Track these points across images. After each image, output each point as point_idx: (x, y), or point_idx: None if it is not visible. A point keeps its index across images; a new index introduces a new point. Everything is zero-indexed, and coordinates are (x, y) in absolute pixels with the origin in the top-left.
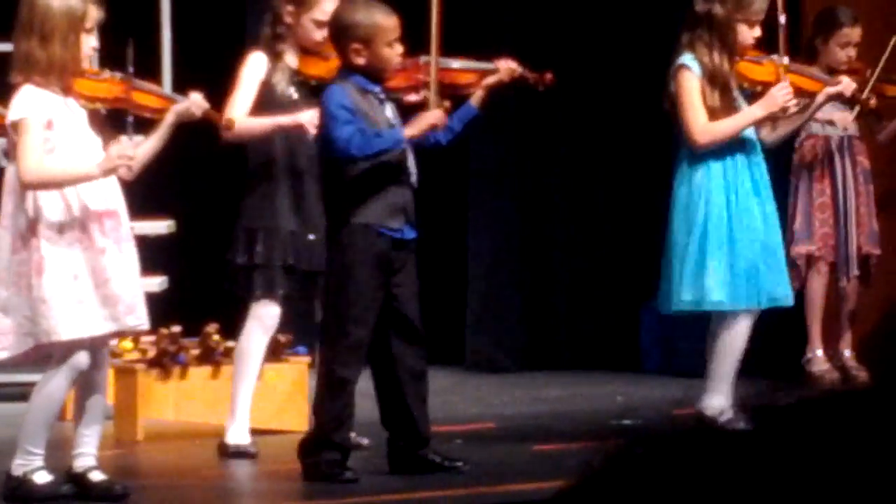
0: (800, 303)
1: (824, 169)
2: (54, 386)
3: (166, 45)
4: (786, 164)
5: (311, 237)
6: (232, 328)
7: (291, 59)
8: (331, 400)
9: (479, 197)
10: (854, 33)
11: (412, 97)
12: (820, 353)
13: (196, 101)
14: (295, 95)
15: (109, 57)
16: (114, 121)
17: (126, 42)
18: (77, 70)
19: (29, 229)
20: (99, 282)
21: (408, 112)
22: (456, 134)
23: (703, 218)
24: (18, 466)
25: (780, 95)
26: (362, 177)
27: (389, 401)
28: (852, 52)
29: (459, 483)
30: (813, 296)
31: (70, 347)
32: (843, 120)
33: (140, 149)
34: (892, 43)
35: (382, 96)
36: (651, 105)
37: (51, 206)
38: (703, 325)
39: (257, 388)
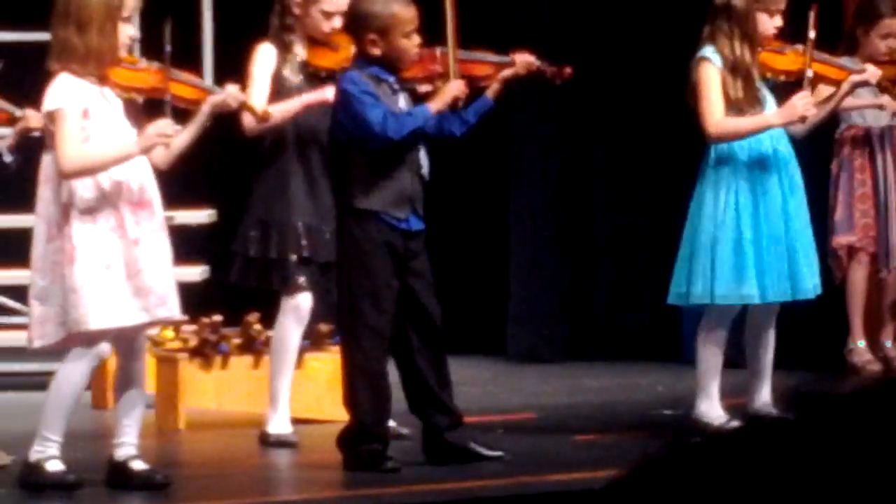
0: (841, 294)
1: (864, 160)
2: (73, 373)
3: (207, 35)
4: (826, 154)
5: (325, 229)
6: (273, 318)
7: (300, 49)
8: (363, 391)
9: (521, 189)
10: (895, 24)
11: (426, 87)
12: (862, 343)
13: (232, 93)
14: (304, 86)
15: (150, 47)
16: (151, 111)
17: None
18: (114, 59)
19: (63, 218)
20: (131, 272)
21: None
22: (470, 126)
23: (735, 213)
24: (35, 453)
25: (801, 104)
26: (369, 164)
27: (414, 389)
28: (893, 42)
29: (500, 473)
30: (854, 287)
31: (94, 336)
32: (891, 103)
33: (176, 140)
34: None
35: (396, 86)
36: (680, 104)
37: (85, 194)
38: (743, 317)
39: (297, 378)
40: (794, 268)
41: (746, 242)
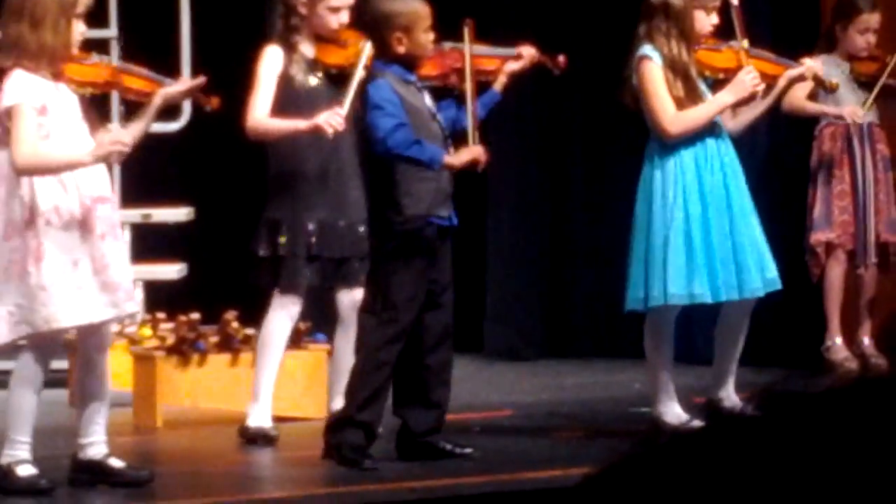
0: (818, 291)
1: (843, 156)
2: (32, 373)
3: (185, 39)
4: (804, 151)
5: (342, 223)
6: (251, 316)
7: (307, 48)
8: (366, 379)
9: (499, 185)
10: (873, 19)
11: (440, 83)
12: (839, 341)
13: (184, 83)
14: (314, 84)
15: (131, 47)
16: (100, 106)
17: (128, 34)
18: (67, 55)
19: (25, 216)
20: (98, 268)
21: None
22: (481, 119)
23: (683, 210)
24: (5, 456)
25: (748, 80)
26: (412, 166)
27: (409, 385)
28: (872, 38)
29: (478, 470)
30: (832, 284)
31: (56, 335)
32: (852, 114)
33: (127, 131)
34: None
35: (420, 85)
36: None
37: (49, 191)
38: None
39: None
40: (741, 265)
41: (696, 241)
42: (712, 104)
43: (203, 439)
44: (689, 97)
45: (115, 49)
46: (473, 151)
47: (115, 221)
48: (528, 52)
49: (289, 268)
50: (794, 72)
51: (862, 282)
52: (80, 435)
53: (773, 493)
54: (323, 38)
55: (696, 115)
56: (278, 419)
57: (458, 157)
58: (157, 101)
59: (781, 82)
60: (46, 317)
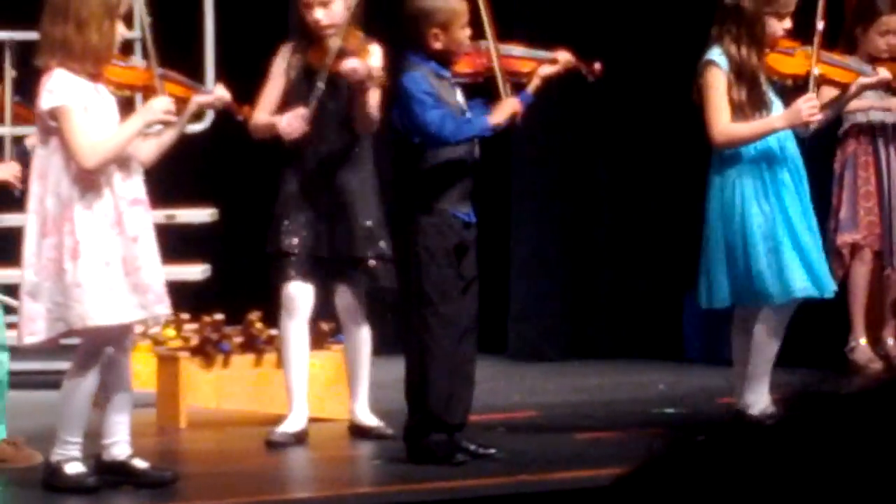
0: (843, 292)
1: (868, 157)
2: (84, 374)
3: (209, 35)
4: (829, 152)
5: (336, 223)
6: (275, 316)
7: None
8: (435, 380)
9: (523, 185)
10: (893, 21)
11: (472, 80)
12: (863, 341)
13: (219, 94)
14: (299, 86)
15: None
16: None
17: (166, 34)
18: (109, 56)
19: (63, 213)
20: (130, 269)
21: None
22: (512, 82)
23: (742, 213)
24: (55, 454)
25: (806, 108)
26: (440, 163)
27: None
28: (893, 39)
29: (502, 471)
30: (857, 284)
31: (98, 334)
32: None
33: (161, 138)
34: None
35: (453, 81)
36: (689, 105)
37: (86, 190)
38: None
39: None
40: (814, 265)
41: (757, 244)
42: (763, 126)
43: (227, 440)
44: (752, 103)
45: (138, 51)
46: (511, 104)
47: (148, 224)
48: (564, 56)
49: (280, 263)
50: (867, 80)
51: (887, 283)
52: (104, 435)
53: (804, 495)
54: (312, 39)
55: (743, 132)
56: None
57: (501, 114)
58: (192, 107)
59: (853, 89)
60: (81, 314)
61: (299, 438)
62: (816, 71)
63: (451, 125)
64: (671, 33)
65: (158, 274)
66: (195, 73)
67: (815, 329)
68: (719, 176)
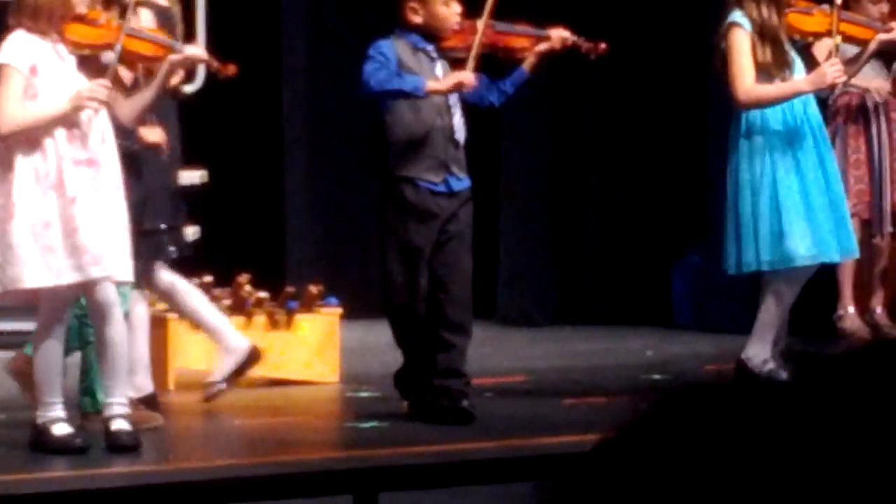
0: None
1: (859, 126)
2: (46, 334)
3: (200, 3)
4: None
5: (153, 195)
6: (264, 278)
7: None
8: (400, 332)
9: (512, 152)
10: None
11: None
12: (852, 310)
13: (189, 52)
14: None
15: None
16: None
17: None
18: (67, 16)
19: (3, 174)
20: (68, 230)
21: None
22: (509, 97)
23: (773, 177)
24: (39, 416)
25: (831, 72)
26: (403, 135)
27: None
28: (885, 7)
29: (491, 435)
30: None
31: (45, 295)
32: (881, 88)
33: (139, 96)
34: None
35: (434, 55)
36: (684, 61)
37: (26, 153)
38: (735, 281)
39: (287, 340)
40: (840, 228)
41: (791, 207)
42: (788, 87)
43: (215, 402)
44: (777, 62)
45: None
46: (460, 75)
47: (97, 185)
48: (558, 33)
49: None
50: (886, 36)
51: (876, 251)
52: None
53: (793, 454)
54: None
55: (769, 93)
56: (290, 383)
57: (445, 81)
58: (165, 66)
59: (872, 45)
60: (13, 276)
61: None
62: (838, 39)
63: (380, 76)
64: (667, 10)
65: (101, 235)
66: (187, 37)
67: (803, 297)
68: (747, 141)
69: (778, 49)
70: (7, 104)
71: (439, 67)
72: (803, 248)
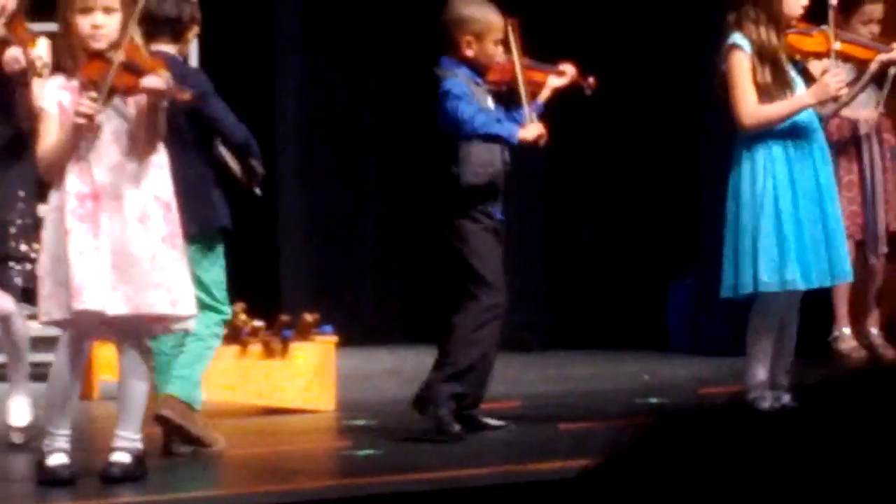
0: None
1: (851, 147)
2: (54, 365)
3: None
4: None
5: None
6: (258, 307)
7: None
8: (462, 356)
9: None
10: (876, 9)
11: (496, 89)
12: (847, 331)
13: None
14: None
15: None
16: None
17: None
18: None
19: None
20: (58, 266)
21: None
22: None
23: (773, 199)
24: (44, 445)
25: (833, 83)
26: (482, 168)
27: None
28: (875, 28)
29: (485, 461)
30: None
31: (60, 326)
32: (869, 118)
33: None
34: None
35: (485, 88)
36: (679, 86)
37: (48, 182)
38: (730, 303)
39: (283, 368)
40: (832, 251)
41: (787, 229)
42: (792, 103)
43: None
44: (777, 83)
45: None
46: (539, 127)
47: (101, 217)
48: (570, 69)
49: None
50: (886, 56)
51: (870, 272)
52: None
53: (781, 480)
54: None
55: (773, 112)
56: (285, 411)
57: (528, 131)
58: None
59: (873, 66)
60: (41, 307)
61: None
62: (837, 45)
63: (482, 119)
64: (660, 34)
65: (88, 269)
66: None
67: (799, 318)
68: (749, 162)
69: (778, 70)
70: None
71: (490, 101)
72: (798, 272)
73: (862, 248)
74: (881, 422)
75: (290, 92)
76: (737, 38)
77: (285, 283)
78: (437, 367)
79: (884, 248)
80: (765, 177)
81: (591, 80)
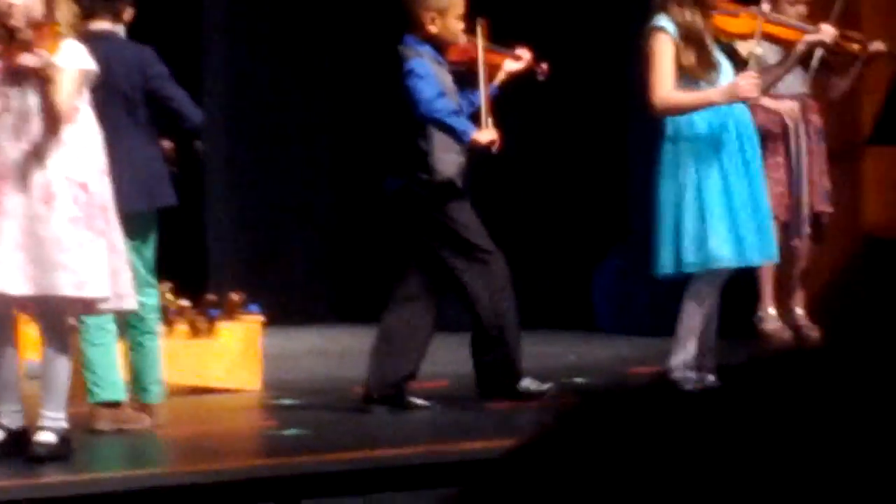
0: None
1: (777, 129)
2: None
3: None
4: None
5: None
6: (185, 287)
7: None
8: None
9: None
10: None
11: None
12: (772, 311)
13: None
14: None
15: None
16: None
17: None
18: None
19: None
20: None
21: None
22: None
23: (697, 180)
24: None
25: (744, 85)
26: (449, 143)
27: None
28: (803, 9)
29: (413, 440)
30: None
31: None
32: (791, 112)
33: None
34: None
35: (446, 67)
36: (606, 68)
37: None
38: (656, 284)
39: (210, 347)
40: (761, 229)
41: (715, 209)
42: (701, 97)
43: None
44: (702, 66)
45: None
46: (492, 133)
47: (7, 202)
48: (526, 54)
49: None
50: (812, 37)
51: (795, 253)
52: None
53: (698, 464)
54: None
55: (683, 101)
56: (212, 391)
57: (483, 135)
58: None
59: (800, 47)
60: None
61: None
62: (759, 51)
63: (442, 104)
64: (588, 17)
65: (4, 251)
66: None
67: (724, 298)
68: (673, 145)
69: (703, 52)
70: None
71: (450, 79)
72: (725, 250)
73: (787, 230)
74: (803, 404)
75: (217, 71)
76: (661, 20)
77: (212, 262)
78: (485, 348)
79: (808, 229)
80: (692, 158)
81: (543, 65)
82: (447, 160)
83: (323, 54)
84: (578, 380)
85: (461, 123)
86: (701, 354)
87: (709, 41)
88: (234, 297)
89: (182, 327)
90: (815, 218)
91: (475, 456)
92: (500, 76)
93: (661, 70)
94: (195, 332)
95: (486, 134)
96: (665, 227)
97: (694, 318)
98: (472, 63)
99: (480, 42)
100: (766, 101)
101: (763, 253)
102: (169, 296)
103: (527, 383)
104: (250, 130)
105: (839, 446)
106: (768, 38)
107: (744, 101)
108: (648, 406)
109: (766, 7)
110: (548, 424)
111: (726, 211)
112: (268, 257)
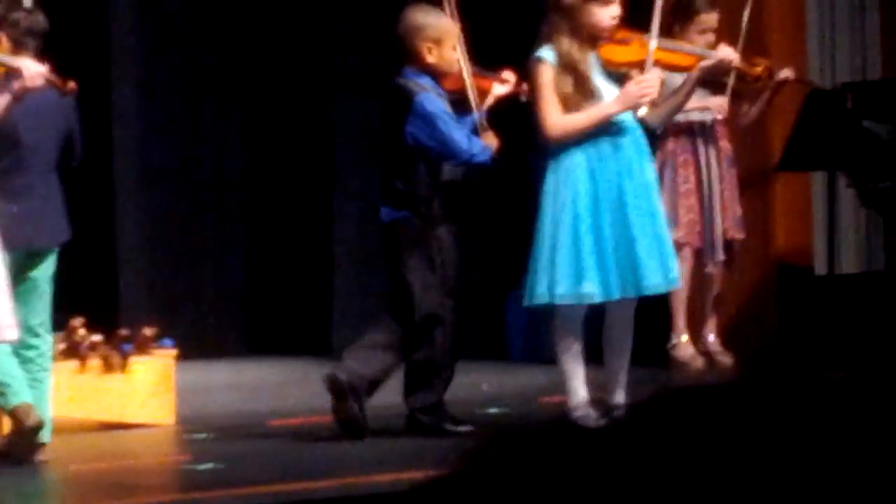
0: None
1: (688, 156)
2: None
3: None
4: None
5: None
6: (97, 321)
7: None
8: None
9: (342, 184)
10: (711, 18)
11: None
12: (685, 338)
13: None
14: None
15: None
16: None
17: None
18: None
19: None
20: None
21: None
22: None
23: (573, 210)
24: None
25: (637, 89)
26: (440, 175)
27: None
28: (711, 37)
29: (326, 474)
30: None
31: None
32: (720, 106)
33: None
34: (744, 25)
35: (446, 97)
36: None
37: None
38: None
39: (122, 382)
40: (638, 262)
41: (585, 241)
42: (596, 112)
43: (50, 447)
44: (579, 94)
45: None
46: (495, 138)
47: None
48: (512, 77)
49: None
50: (708, 62)
51: (707, 280)
52: None
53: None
54: None
55: (577, 121)
56: (127, 426)
57: (489, 141)
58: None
59: (695, 73)
60: None
61: None
62: (653, 45)
63: (476, 148)
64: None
65: None
66: None
67: (636, 326)
68: (553, 175)
69: (580, 81)
70: None
71: (450, 109)
72: (596, 284)
73: (700, 256)
74: (706, 441)
75: (128, 97)
76: (542, 50)
77: (123, 297)
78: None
79: (721, 256)
80: (566, 187)
81: (525, 86)
82: (450, 194)
83: (239, 75)
84: (492, 410)
85: (486, 153)
86: (611, 391)
87: (586, 70)
88: (147, 331)
89: (95, 363)
90: (728, 245)
91: (390, 488)
92: (489, 100)
93: (547, 98)
94: (108, 367)
95: (492, 141)
96: (542, 258)
97: (566, 363)
98: (462, 88)
99: (466, 66)
100: (694, 103)
101: (642, 284)
102: (81, 331)
103: (448, 425)
104: (162, 161)
105: (738, 483)
106: (662, 65)
107: (637, 106)
108: (548, 445)
109: (654, 42)
110: (455, 463)
111: (598, 243)
112: (180, 291)
